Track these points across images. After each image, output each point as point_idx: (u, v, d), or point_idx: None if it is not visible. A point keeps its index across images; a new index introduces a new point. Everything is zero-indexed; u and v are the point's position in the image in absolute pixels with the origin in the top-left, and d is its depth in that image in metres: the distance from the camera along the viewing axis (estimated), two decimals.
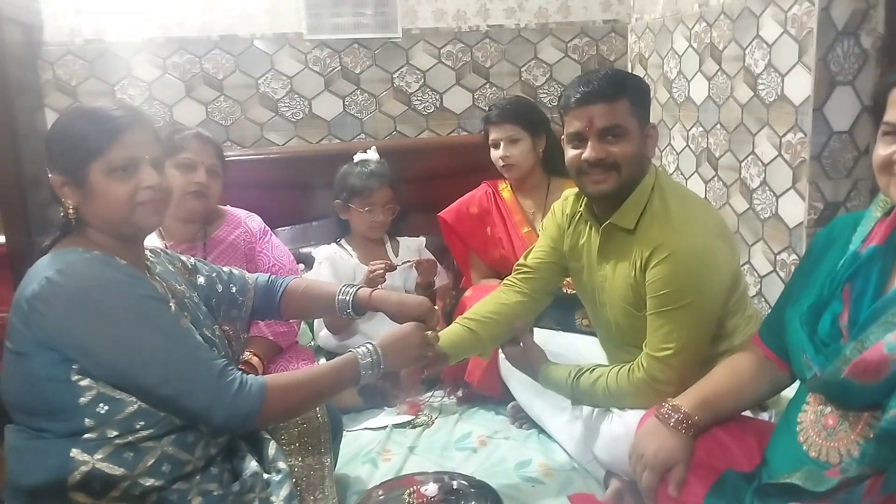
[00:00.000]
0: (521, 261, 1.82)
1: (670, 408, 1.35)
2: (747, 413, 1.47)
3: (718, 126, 2.44)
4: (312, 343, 2.43)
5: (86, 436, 1.15)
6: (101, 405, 1.16)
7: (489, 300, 1.77)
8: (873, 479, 1.04)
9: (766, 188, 2.21)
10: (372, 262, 2.23)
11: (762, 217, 2.24)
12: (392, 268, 2.22)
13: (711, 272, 1.50)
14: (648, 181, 1.56)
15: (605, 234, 1.60)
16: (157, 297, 1.24)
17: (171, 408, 1.18)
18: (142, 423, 1.17)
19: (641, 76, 1.66)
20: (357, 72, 2.92)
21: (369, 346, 1.39)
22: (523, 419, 2.03)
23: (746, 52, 2.25)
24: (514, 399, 2.04)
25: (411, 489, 1.65)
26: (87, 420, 1.15)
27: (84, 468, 1.14)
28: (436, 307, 1.59)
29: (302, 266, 2.47)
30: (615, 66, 3.04)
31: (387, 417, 2.10)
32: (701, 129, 2.56)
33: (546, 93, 3.06)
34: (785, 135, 2.09)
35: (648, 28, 2.88)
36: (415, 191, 2.63)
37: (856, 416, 1.10)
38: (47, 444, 1.14)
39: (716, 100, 2.44)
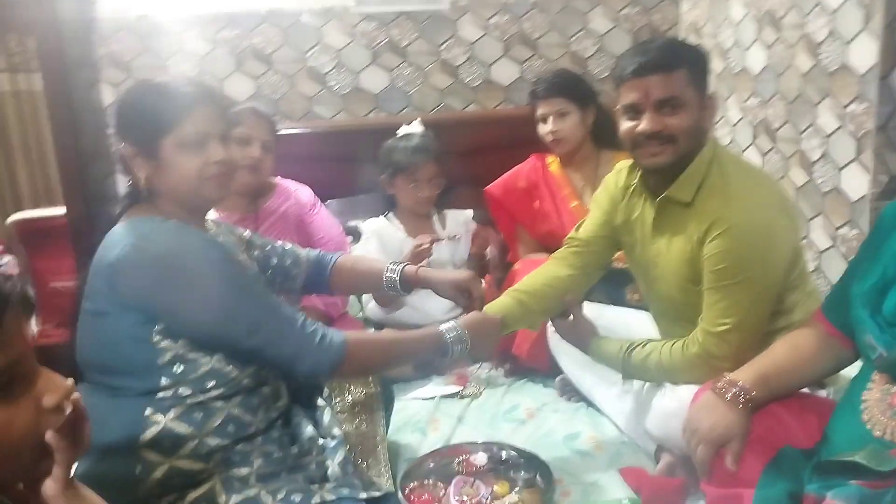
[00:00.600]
0: (571, 234, 1.80)
1: (727, 382, 1.33)
2: (806, 390, 1.43)
3: (777, 96, 2.36)
4: (361, 314, 2.46)
5: (160, 395, 1.19)
6: (178, 365, 1.20)
7: (540, 273, 1.76)
8: None
9: (828, 160, 2.13)
10: (418, 237, 2.24)
11: (823, 190, 2.17)
12: (437, 240, 2.23)
13: (771, 247, 1.46)
14: (706, 153, 1.52)
15: (661, 208, 1.56)
16: (234, 259, 1.28)
17: (259, 357, 1.24)
18: (213, 382, 1.21)
19: (698, 46, 1.58)
20: (404, 45, 2.90)
21: (455, 325, 1.42)
22: (571, 392, 2.03)
23: (808, 19, 2.16)
24: (562, 372, 2.03)
25: (461, 458, 1.67)
26: (163, 379, 1.19)
27: (157, 427, 1.18)
28: (483, 281, 1.61)
29: (350, 238, 2.48)
30: (668, 35, 2.96)
31: (435, 388, 2.12)
32: (758, 99, 2.48)
33: (596, 64, 3.00)
34: (848, 105, 2.02)
35: None
36: (461, 164, 2.62)
37: None
38: (122, 402, 1.18)
39: (775, 69, 2.36)
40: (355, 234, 2.55)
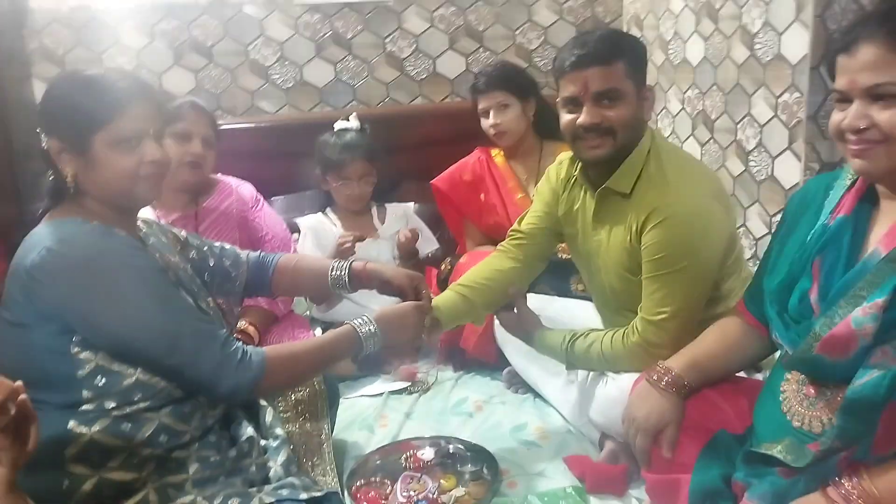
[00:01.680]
0: (514, 226, 1.81)
1: (661, 370, 1.36)
2: (742, 374, 1.47)
3: (714, 87, 2.41)
4: (308, 313, 2.43)
5: (83, 407, 1.15)
6: (100, 377, 1.15)
7: (483, 266, 1.77)
8: (847, 452, 1.04)
9: (763, 150, 2.19)
10: (341, 235, 2.22)
11: (758, 179, 2.23)
12: (360, 238, 2.21)
13: (707, 236, 1.49)
14: (645, 144, 1.54)
15: (601, 199, 1.58)
16: (158, 268, 1.23)
17: (175, 377, 1.19)
18: (139, 395, 1.17)
19: (637, 37, 1.60)
20: (348, 37, 2.87)
21: (367, 319, 1.38)
22: (519, 384, 2.04)
23: (743, 10, 2.21)
24: (509, 364, 2.05)
25: (408, 453, 1.67)
26: (84, 392, 1.15)
27: (82, 440, 1.14)
28: (424, 276, 1.60)
29: (296, 236, 2.46)
30: (610, 28, 2.99)
31: (383, 384, 2.12)
32: (697, 91, 2.53)
33: (540, 56, 3.02)
34: (781, 95, 2.07)
35: None
36: (408, 158, 2.61)
37: (835, 386, 1.09)
38: (44, 415, 1.11)
39: (712, 61, 2.41)
40: (299, 230, 2.52)
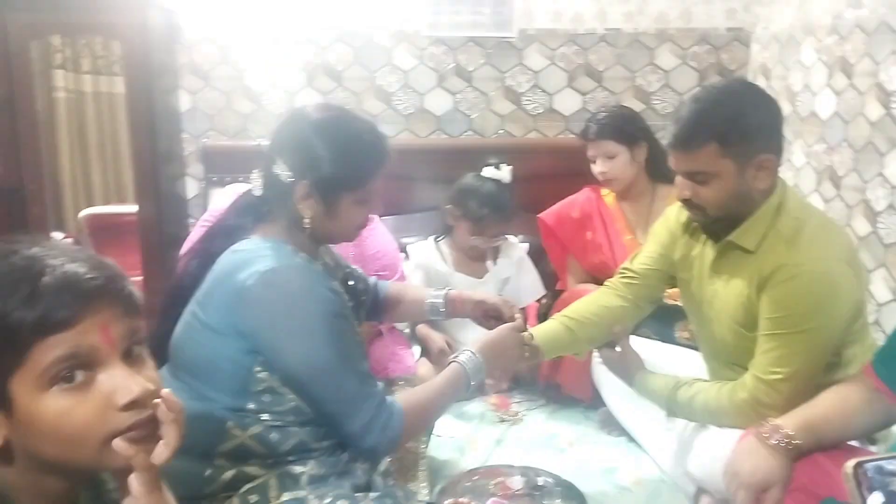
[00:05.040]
0: (626, 264, 1.80)
1: (772, 427, 1.31)
2: (855, 444, 1.40)
3: (844, 144, 2.33)
4: (406, 330, 2.49)
5: (244, 414, 1.23)
6: (268, 395, 1.23)
7: (590, 301, 1.77)
8: None
9: (893, 212, 2.09)
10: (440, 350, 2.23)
11: (886, 242, 2.12)
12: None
13: (835, 299, 1.42)
14: (773, 201, 1.48)
15: (722, 250, 1.54)
16: (346, 314, 1.30)
17: (327, 421, 1.25)
18: (292, 417, 1.25)
19: (759, 105, 1.48)
20: (470, 69, 2.96)
21: (470, 353, 1.42)
22: (613, 426, 2.02)
23: (881, 67, 2.14)
24: (604, 404, 2.03)
25: (497, 480, 1.68)
26: (250, 403, 1.23)
27: (234, 441, 1.23)
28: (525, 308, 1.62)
29: (404, 255, 2.53)
30: (736, 76, 2.95)
31: (477, 408, 2.14)
32: (825, 146, 2.45)
33: (660, 99, 3.01)
34: None
35: (774, 38, 2.78)
36: (517, 190, 2.65)
37: None
38: (208, 411, 1.21)
39: (843, 116, 2.33)
40: (408, 252, 2.60)
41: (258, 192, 1.34)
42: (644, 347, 1.84)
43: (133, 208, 2.91)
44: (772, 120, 1.48)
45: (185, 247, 2.07)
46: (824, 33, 2.43)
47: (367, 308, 1.59)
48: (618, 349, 1.72)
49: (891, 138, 2.09)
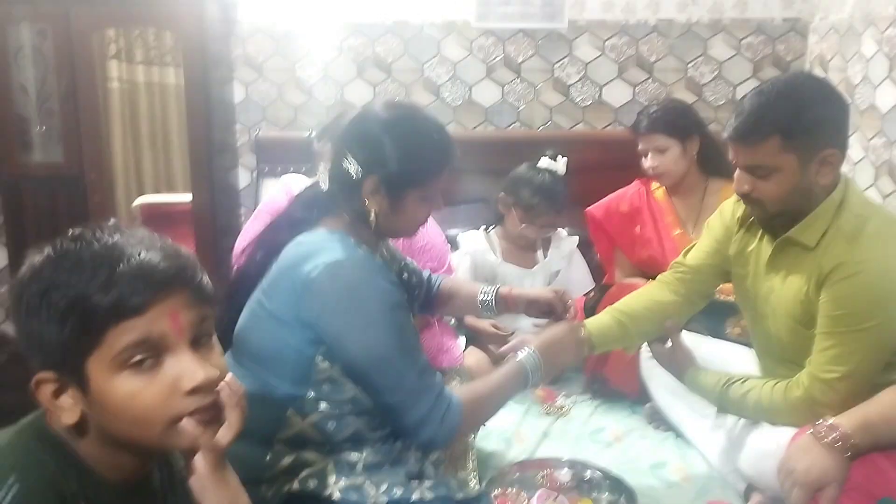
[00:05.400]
0: (679, 259, 1.78)
1: (828, 426, 1.30)
2: None
3: None
4: (453, 321, 2.51)
5: (304, 401, 1.27)
6: (328, 384, 1.27)
7: (642, 295, 1.76)
8: None
9: None
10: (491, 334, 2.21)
11: None
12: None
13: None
14: (836, 197, 1.45)
15: (780, 246, 1.52)
16: (406, 307, 1.33)
17: (387, 412, 1.28)
18: (351, 406, 1.28)
19: (825, 98, 1.45)
20: (519, 61, 2.96)
21: (530, 351, 1.43)
22: (660, 421, 2.01)
23: None
24: (650, 399, 2.02)
25: (545, 472, 1.70)
26: (311, 392, 1.27)
27: (293, 428, 1.27)
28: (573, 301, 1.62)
29: (450, 247, 2.55)
30: (794, 68, 2.88)
31: (523, 400, 2.15)
32: (884, 139, 2.38)
33: (712, 91, 2.96)
34: None
35: (833, 29, 2.71)
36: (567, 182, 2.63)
37: None
38: (268, 396, 1.25)
39: None
40: (453, 244, 2.61)
41: (325, 185, 1.37)
42: (695, 343, 1.83)
43: (184, 197, 3.00)
44: (837, 114, 1.44)
45: (242, 237, 2.12)
46: (885, 24, 2.35)
47: (419, 301, 1.61)
48: (669, 344, 1.71)
49: None
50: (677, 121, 2.29)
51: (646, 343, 1.81)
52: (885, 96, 2.37)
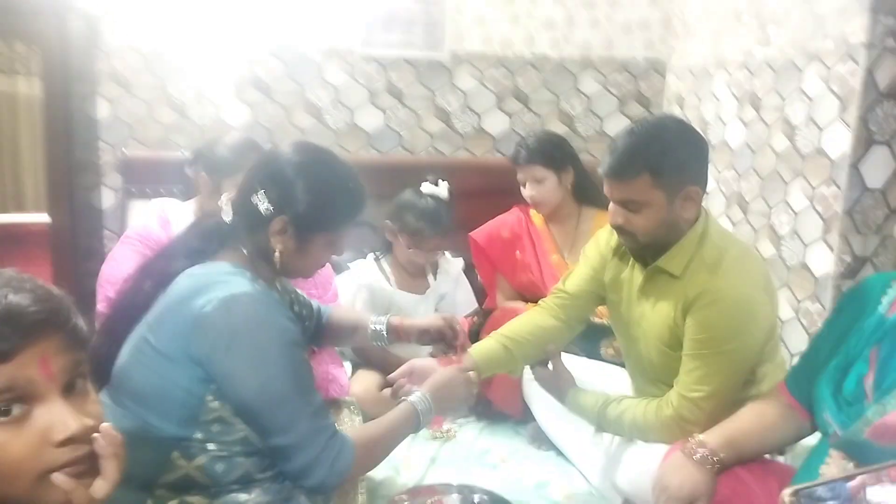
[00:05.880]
0: (559, 285, 1.86)
1: (696, 443, 1.40)
2: (766, 456, 1.51)
3: (752, 171, 2.50)
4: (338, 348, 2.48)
5: (190, 443, 1.20)
6: (217, 425, 1.20)
7: (525, 321, 1.82)
8: None
9: (795, 236, 2.26)
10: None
11: (788, 264, 2.29)
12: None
13: (753, 322, 1.53)
14: (698, 229, 1.58)
15: (649, 274, 1.63)
16: (301, 344, 1.28)
17: (277, 453, 1.23)
18: (240, 448, 1.23)
19: (685, 138, 1.57)
20: (401, 87, 2.99)
21: (421, 394, 1.43)
22: (542, 441, 2.08)
23: (786, 102, 2.31)
24: (534, 419, 2.09)
25: (434, 498, 1.70)
26: (198, 433, 1.20)
27: (178, 472, 1.19)
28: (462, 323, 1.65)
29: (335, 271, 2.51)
30: (653, 104, 3.11)
31: None
32: (734, 172, 2.62)
33: (582, 123, 3.13)
34: (818, 187, 2.15)
35: (689, 71, 2.95)
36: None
37: None
38: (151, 439, 1.17)
39: (752, 146, 2.51)
40: (339, 269, 2.58)
41: (227, 217, 1.32)
42: (572, 364, 1.91)
43: (37, 217, 2.78)
44: (699, 155, 1.58)
45: (111, 263, 1.98)
46: (735, 68, 2.61)
47: (308, 333, 1.58)
48: (550, 367, 1.78)
49: (794, 168, 2.27)
50: (554, 153, 2.41)
51: (528, 366, 1.87)
52: (735, 133, 2.61)
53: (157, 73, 2.81)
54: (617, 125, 3.06)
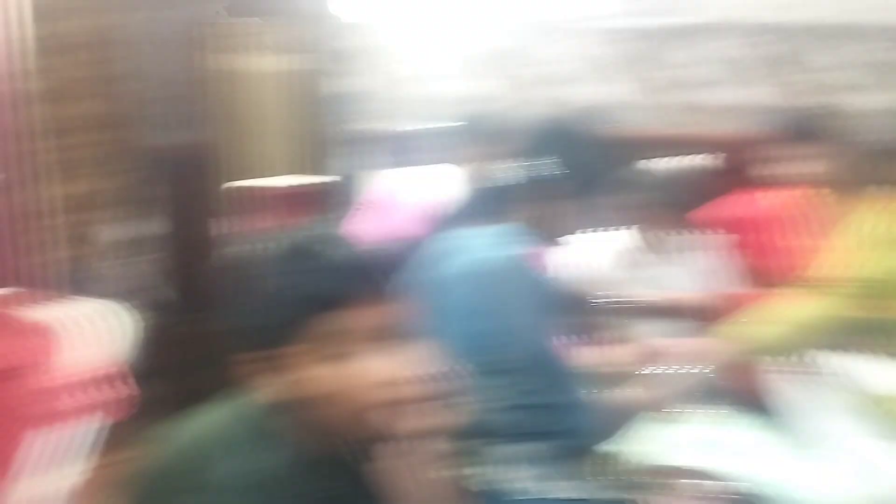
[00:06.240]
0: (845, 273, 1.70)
1: None
2: None
3: None
4: None
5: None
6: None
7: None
8: None
9: None
10: None
11: None
12: None
13: None
14: None
15: None
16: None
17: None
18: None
19: None
20: (644, 57, 2.87)
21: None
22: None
23: None
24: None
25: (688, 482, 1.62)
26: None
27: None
28: None
29: None
30: None
31: None
32: None
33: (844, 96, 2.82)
34: None
35: None
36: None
37: None
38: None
39: None
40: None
41: (503, 183, 1.40)
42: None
43: (275, 181, 3.05)
44: None
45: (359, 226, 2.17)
46: None
47: None
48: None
49: None
50: (825, 127, 2.25)
51: None
52: None
53: (401, 50, 2.95)
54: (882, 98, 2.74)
